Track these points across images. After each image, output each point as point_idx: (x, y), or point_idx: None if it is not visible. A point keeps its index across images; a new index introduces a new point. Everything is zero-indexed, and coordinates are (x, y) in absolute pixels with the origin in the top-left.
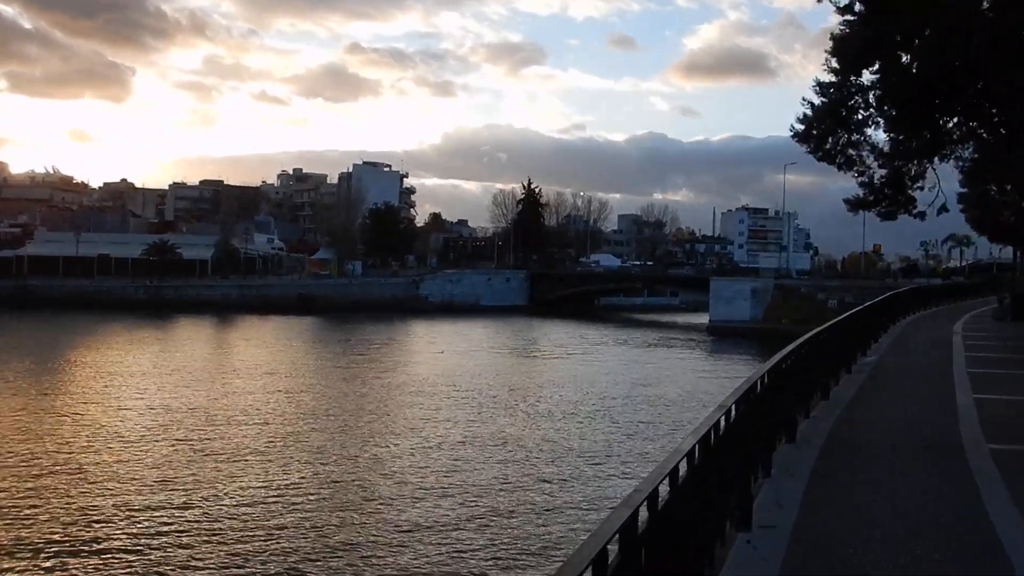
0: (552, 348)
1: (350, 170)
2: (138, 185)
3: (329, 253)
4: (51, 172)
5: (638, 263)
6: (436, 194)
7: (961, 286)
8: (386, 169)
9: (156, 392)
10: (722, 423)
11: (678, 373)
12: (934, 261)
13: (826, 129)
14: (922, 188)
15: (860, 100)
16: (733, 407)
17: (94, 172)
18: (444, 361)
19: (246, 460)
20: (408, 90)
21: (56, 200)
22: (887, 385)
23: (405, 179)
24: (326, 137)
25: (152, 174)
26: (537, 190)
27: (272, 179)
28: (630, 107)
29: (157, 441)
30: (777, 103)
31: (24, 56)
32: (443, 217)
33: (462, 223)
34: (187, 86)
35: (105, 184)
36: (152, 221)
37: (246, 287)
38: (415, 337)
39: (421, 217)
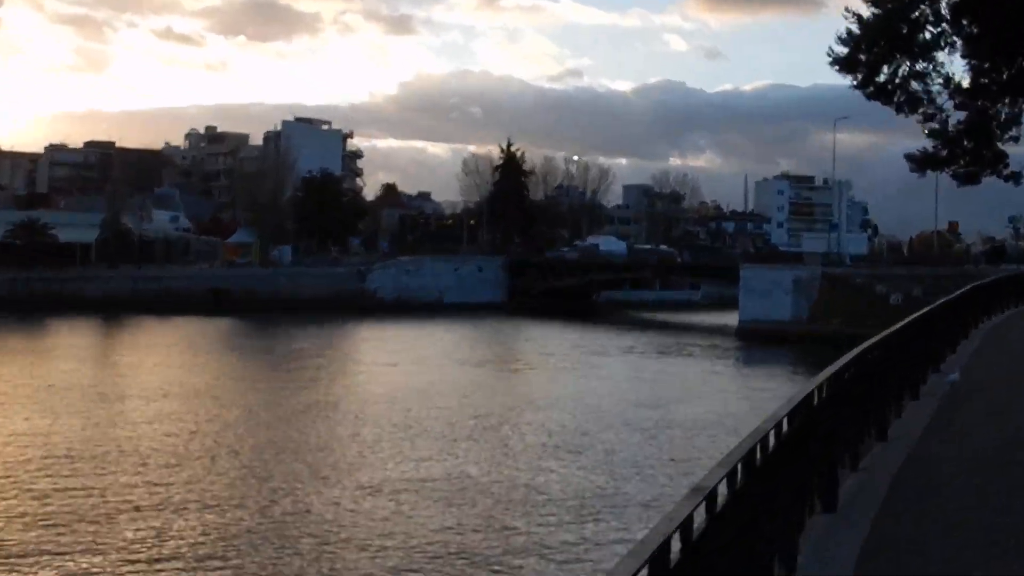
0: (535, 359)
1: (278, 128)
2: (3, 148)
3: (250, 235)
4: None
5: (648, 247)
6: (392, 159)
7: None
8: (325, 127)
9: (2, 423)
10: (702, 515)
11: (695, 392)
12: None
13: (879, 54)
14: (1016, 139)
15: (928, 10)
16: (725, 484)
17: None
18: (394, 377)
19: (114, 517)
20: (355, 26)
21: None
22: (970, 420)
23: (349, 140)
24: (251, 87)
25: (24, 133)
26: (519, 153)
27: (179, 140)
28: (639, 48)
29: None
30: (826, 41)
31: None
32: (399, 189)
33: (424, 196)
34: (70, 20)
35: None
36: (19, 194)
37: (141, 279)
38: (358, 345)
39: (372, 189)
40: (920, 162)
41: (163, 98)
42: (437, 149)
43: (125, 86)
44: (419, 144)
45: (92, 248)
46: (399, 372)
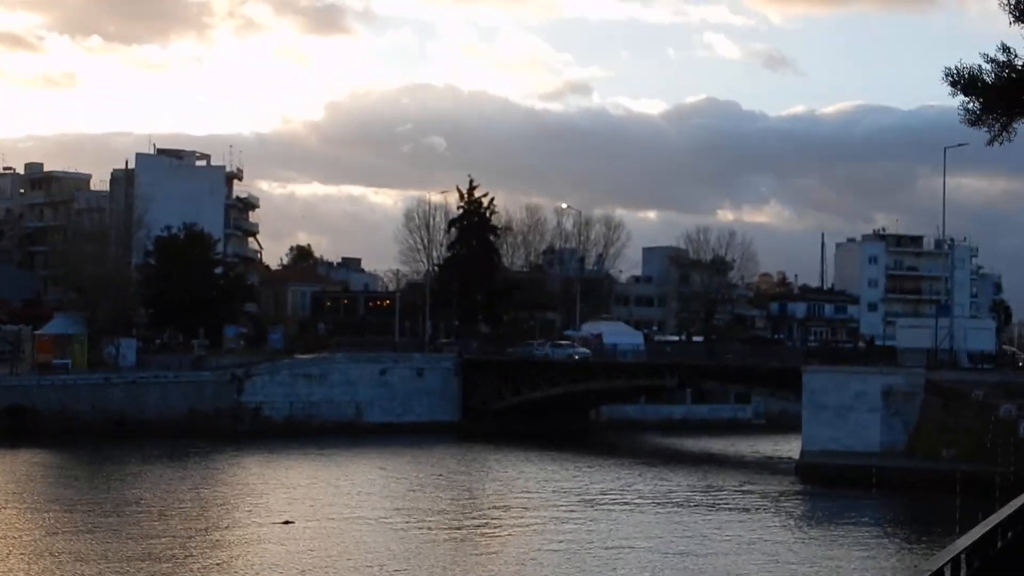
0: (499, 515)
1: (130, 165)
2: None
3: (73, 324)
4: None
5: (676, 339)
6: (320, 212)
7: None
8: (200, 164)
9: None
10: None
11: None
12: None
13: None
14: None
15: None
16: None
17: None
18: (278, 547)
19: None
20: (259, 20)
21: None
22: None
23: (237, 183)
24: (110, 111)
25: None
26: (488, 199)
27: None
28: (672, 54)
29: None
30: (942, 43)
31: None
32: (317, 255)
33: (352, 266)
34: None
35: None
36: None
37: None
38: (217, 494)
39: (277, 255)
40: None
41: None
42: (380, 197)
43: None
44: (356, 191)
45: None
46: (288, 536)
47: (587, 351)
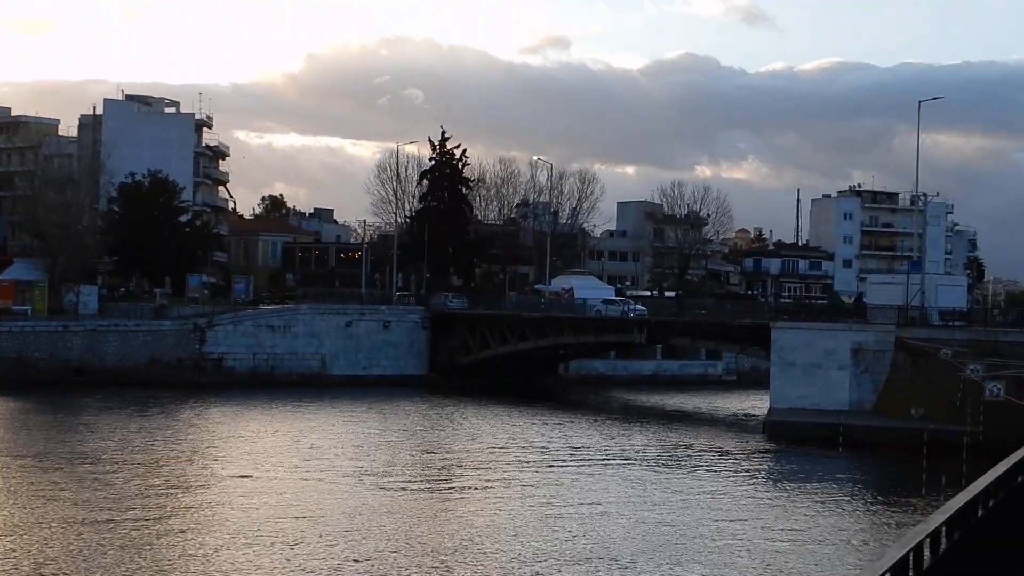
0: (458, 472)
1: (98, 111)
2: None
3: (34, 271)
4: None
5: (648, 294)
6: (298, 163)
7: None
8: (170, 110)
9: None
10: None
11: (682, 536)
12: None
13: None
14: None
15: None
16: None
17: None
18: (237, 500)
19: None
20: None
21: None
22: None
23: (206, 129)
24: (86, 57)
25: None
26: (459, 152)
27: None
28: (651, 8)
29: None
30: (920, 2)
31: None
32: (290, 205)
33: (324, 216)
34: None
35: None
36: None
37: None
38: (176, 446)
39: (251, 204)
40: None
41: None
42: (358, 149)
43: None
44: (333, 142)
45: None
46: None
47: (643, 309)
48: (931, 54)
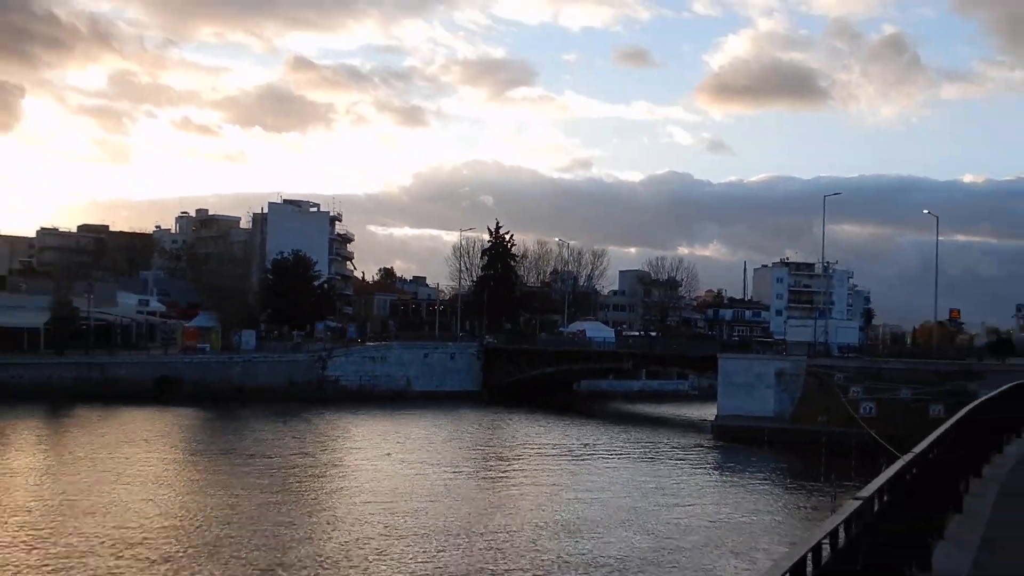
0: (500, 463)
1: (264, 211)
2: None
3: (211, 319)
4: None
5: (639, 334)
6: (409, 247)
7: None
8: (313, 210)
9: None
10: None
11: (641, 511)
12: None
13: None
14: None
15: None
16: None
17: None
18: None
19: None
20: (367, 116)
21: None
22: None
23: (338, 223)
24: (268, 177)
25: (56, 221)
26: (508, 236)
27: (171, 224)
28: (646, 140)
29: None
30: (831, 133)
31: None
32: (399, 275)
33: (418, 281)
34: (91, 111)
35: None
36: None
37: (84, 366)
38: (302, 439)
39: (369, 273)
40: None
41: (185, 187)
42: (449, 236)
43: (148, 175)
44: (433, 232)
45: (40, 333)
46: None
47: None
48: (838, 169)
